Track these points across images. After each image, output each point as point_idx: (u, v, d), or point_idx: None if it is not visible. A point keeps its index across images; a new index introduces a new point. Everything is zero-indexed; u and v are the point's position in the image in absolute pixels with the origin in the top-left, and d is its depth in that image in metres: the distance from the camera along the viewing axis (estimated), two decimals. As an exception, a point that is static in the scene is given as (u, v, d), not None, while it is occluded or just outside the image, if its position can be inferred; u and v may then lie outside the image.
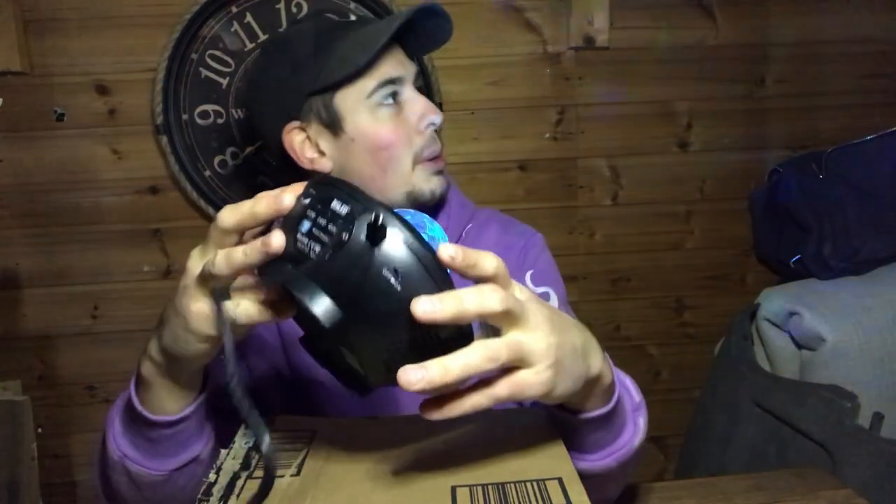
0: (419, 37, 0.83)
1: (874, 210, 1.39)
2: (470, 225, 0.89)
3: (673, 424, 1.67)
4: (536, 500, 0.47)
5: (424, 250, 0.43)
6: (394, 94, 0.81)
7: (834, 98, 1.59)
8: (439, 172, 0.84)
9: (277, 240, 0.45)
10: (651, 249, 1.62)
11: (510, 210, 1.01)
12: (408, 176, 0.81)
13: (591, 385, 0.54)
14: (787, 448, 1.26)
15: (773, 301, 1.39)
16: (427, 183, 0.82)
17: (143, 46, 1.42)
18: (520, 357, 0.45)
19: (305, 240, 0.45)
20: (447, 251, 0.43)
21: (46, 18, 1.41)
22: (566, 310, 0.85)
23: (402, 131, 0.80)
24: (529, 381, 0.45)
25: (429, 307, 0.41)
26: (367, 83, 0.79)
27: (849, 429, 1.14)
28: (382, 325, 0.44)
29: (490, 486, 0.49)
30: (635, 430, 0.64)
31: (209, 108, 1.44)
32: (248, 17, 1.42)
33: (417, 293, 0.42)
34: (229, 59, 1.43)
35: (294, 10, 1.42)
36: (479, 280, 0.46)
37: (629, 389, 0.66)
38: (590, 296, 1.62)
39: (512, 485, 0.49)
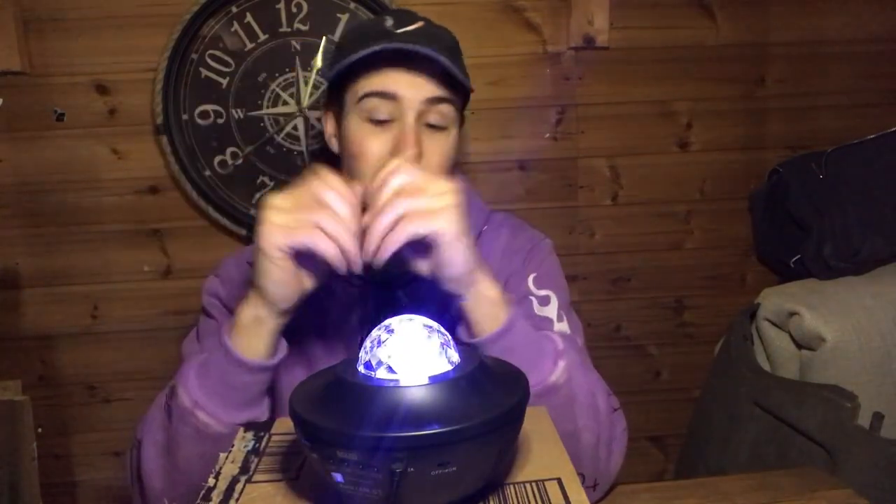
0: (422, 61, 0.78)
1: (874, 210, 1.38)
2: (485, 227, 0.92)
3: (673, 424, 1.67)
4: (535, 501, 0.47)
5: (450, 442, 0.42)
6: (383, 115, 0.78)
7: (834, 98, 1.59)
8: None
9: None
10: (651, 249, 1.62)
11: (510, 210, 1.01)
12: None
13: (478, 282, 0.68)
14: (787, 448, 1.26)
15: (773, 301, 1.39)
16: None
17: (143, 46, 1.42)
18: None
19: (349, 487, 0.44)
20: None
21: (46, 18, 1.41)
22: (567, 315, 0.86)
23: (370, 154, 0.78)
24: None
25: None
26: (361, 88, 0.79)
27: (849, 429, 1.14)
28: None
29: (489, 487, 0.49)
30: (554, 367, 0.70)
31: (209, 108, 1.44)
32: (248, 17, 1.42)
33: (471, 455, 0.43)
34: (229, 59, 1.43)
35: (294, 10, 1.42)
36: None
37: (552, 340, 0.74)
38: (590, 296, 1.62)
39: (511, 485, 0.49)
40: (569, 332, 0.84)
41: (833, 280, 1.39)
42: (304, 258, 0.65)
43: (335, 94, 0.86)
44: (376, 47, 0.76)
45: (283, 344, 0.72)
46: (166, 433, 0.71)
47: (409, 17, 0.83)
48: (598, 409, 0.74)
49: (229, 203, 1.47)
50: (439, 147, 0.80)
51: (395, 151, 0.77)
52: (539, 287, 0.86)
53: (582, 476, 0.73)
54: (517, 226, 0.96)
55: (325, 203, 0.63)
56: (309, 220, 0.62)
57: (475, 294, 0.69)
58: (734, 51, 1.55)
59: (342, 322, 0.85)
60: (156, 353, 1.52)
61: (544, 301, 0.85)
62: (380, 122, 0.79)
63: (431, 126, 0.80)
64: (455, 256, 0.65)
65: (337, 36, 1.44)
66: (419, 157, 0.78)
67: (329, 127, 0.89)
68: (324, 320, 0.86)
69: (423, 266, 0.68)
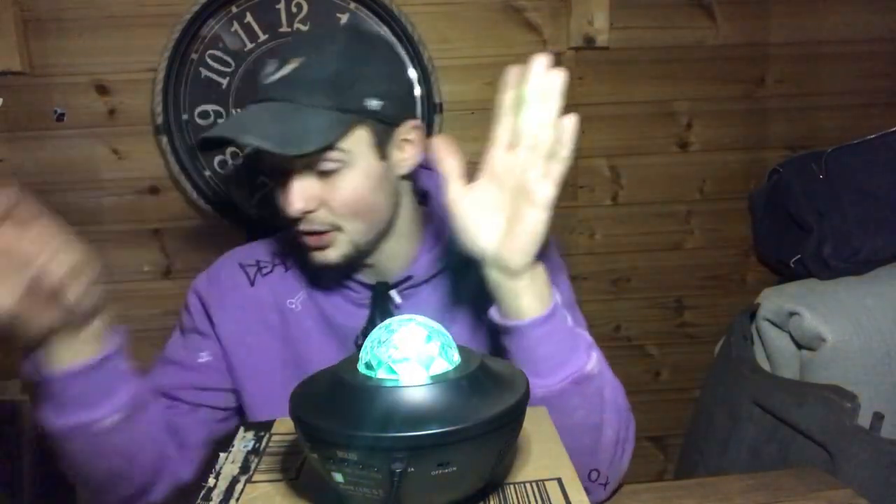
0: None
1: (874, 210, 1.38)
2: None
3: (673, 424, 1.67)
4: (535, 501, 0.47)
5: (443, 440, 0.42)
6: (276, 172, 0.78)
7: (834, 98, 1.59)
8: (315, 248, 0.79)
9: None
10: (651, 249, 1.62)
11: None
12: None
13: (536, 270, 0.70)
14: (787, 448, 1.26)
15: (773, 301, 1.39)
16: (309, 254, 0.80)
17: (143, 46, 1.42)
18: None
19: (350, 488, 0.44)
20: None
21: (46, 18, 1.41)
22: (571, 313, 0.84)
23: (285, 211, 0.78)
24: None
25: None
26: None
27: (849, 429, 1.14)
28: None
29: (489, 487, 0.49)
30: (588, 358, 0.71)
31: (209, 108, 1.44)
32: (248, 17, 1.42)
33: (471, 455, 0.43)
34: (229, 59, 1.43)
35: (294, 10, 1.42)
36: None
37: (582, 331, 0.75)
38: (590, 296, 1.62)
39: (511, 485, 0.49)
40: None
41: (833, 280, 1.39)
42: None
43: None
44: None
45: (83, 349, 0.72)
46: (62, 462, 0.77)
47: (292, 51, 0.77)
48: (619, 406, 0.76)
49: (229, 203, 1.47)
50: (337, 191, 0.76)
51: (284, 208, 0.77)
52: None
53: (597, 472, 0.74)
54: None
55: None
56: None
57: (532, 273, 0.70)
58: (734, 51, 1.55)
59: (343, 327, 0.85)
60: (156, 353, 1.52)
61: None
62: (279, 177, 0.77)
63: (324, 172, 0.76)
64: (540, 226, 0.71)
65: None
66: (314, 211, 0.76)
67: None
68: (325, 325, 0.86)
69: (495, 226, 0.72)
